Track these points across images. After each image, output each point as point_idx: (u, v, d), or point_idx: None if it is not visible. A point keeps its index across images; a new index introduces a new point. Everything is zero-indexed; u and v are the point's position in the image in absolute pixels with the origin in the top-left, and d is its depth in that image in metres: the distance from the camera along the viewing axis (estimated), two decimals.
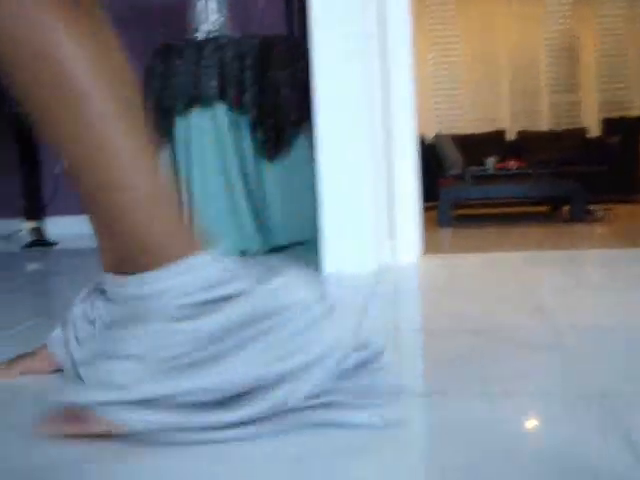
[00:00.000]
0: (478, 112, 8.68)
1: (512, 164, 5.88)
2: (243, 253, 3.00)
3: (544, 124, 8.50)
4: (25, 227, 4.01)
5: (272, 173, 3.09)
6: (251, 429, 0.95)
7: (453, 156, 7.08)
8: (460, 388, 1.12)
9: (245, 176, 3.07)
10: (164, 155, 3.20)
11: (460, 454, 0.87)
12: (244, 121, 3.08)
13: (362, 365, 1.06)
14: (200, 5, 3.21)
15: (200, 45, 3.11)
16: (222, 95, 3.06)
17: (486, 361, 1.26)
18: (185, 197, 3.10)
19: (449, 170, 6.60)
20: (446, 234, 3.91)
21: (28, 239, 3.96)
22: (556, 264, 2.47)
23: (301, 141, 3.10)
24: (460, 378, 1.17)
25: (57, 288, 2.51)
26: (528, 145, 7.86)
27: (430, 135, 7.50)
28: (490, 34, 8.62)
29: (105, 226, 1.11)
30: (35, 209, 4.01)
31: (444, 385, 1.14)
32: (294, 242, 3.09)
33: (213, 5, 3.21)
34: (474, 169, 5.80)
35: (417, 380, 1.21)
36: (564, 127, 8.23)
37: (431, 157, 6.85)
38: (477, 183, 5.26)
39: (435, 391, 1.12)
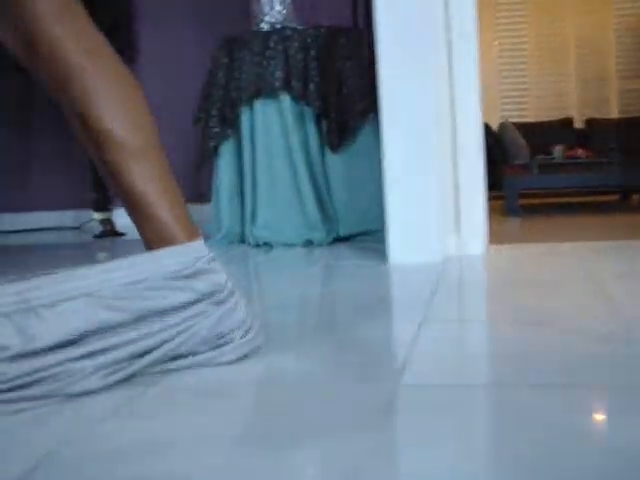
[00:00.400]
0: (545, 99, 8.54)
1: (581, 152, 5.77)
2: (308, 243, 3.02)
3: (613, 111, 8.32)
4: (95, 218, 4.09)
5: (337, 164, 3.10)
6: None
7: (519, 145, 6.99)
8: (523, 379, 1.11)
9: (310, 167, 3.09)
10: (229, 146, 3.23)
11: (523, 447, 0.86)
12: (309, 112, 3.10)
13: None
14: None
15: (265, 36, 3.13)
16: (287, 86, 3.08)
17: (550, 352, 1.25)
18: (250, 188, 3.13)
19: (515, 159, 6.52)
20: (513, 224, 3.87)
21: (98, 229, 4.05)
22: (626, 254, 2.42)
23: (366, 131, 3.10)
24: (524, 369, 1.16)
25: None
26: (597, 133, 7.70)
27: (496, 124, 7.41)
28: (558, 19, 8.46)
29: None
30: (104, 200, 4.09)
31: (507, 376, 1.13)
32: (359, 232, 3.09)
33: None
34: (541, 158, 5.71)
35: (479, 371, 1.21)
36: (634, 114, 8.03)
37: (497, 146, 6.77)
38: (544, 172, 5.18)
39: (497, 382, 1.12)
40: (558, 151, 5.83)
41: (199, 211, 3.90)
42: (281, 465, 0.84)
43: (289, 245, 3.04)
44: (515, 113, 8.40)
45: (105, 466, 0.87)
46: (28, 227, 4.58)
